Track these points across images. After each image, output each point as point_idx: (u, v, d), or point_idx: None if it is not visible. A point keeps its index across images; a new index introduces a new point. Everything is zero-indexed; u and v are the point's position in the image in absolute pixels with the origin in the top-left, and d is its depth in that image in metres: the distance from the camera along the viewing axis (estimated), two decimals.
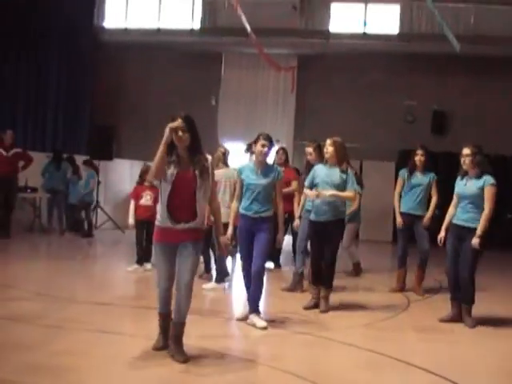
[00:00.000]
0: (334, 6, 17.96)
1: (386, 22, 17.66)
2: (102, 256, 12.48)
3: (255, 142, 6.62)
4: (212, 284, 8.46)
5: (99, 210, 15.01)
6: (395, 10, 17.70)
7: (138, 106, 18.08)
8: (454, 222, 6.88)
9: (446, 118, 17.14)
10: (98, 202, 14.92)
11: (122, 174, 16.41)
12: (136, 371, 4.70)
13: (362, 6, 17.72)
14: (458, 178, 6.95)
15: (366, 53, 16.93)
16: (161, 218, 4.94)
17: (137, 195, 9.71)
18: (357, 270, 10.18)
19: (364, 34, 17.42)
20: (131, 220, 9.63)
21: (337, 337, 6.00)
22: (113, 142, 15.49)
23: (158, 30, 18.10)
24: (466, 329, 6.58)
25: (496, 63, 16.49)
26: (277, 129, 17.14)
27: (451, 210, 6.99)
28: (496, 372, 5.19)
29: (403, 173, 8.58)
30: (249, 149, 7.17)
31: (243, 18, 13.56)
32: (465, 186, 6.82)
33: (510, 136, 16.27)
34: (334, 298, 7.49)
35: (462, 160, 6.79)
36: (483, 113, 16.73)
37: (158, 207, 5.00)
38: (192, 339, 5.28)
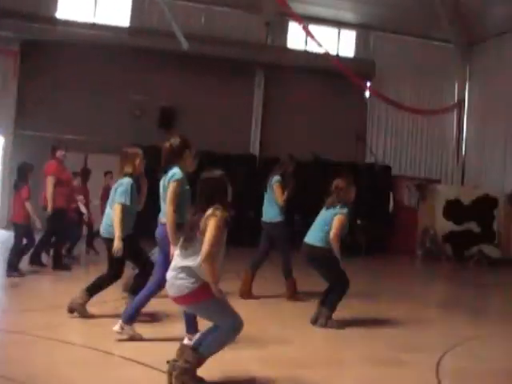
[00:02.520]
0: None
1: (118, 13, 17.36)
2: None
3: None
4: None
5: None
6: (127, 2, 17.48)
7: None
8: None
9: (173, 114, 17.27)
10: None
11: None
12: None
13: None
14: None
15: (95, 44, 16.31)
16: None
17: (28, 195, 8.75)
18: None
19: (93, 24, 16.83)
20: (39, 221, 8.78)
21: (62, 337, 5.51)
22: None
23: None
24: None
25: (223, 64, 17.10)
26: None
27: None
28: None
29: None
30: None
31: None
32: None
33: (231, 135, 16.99)
34: None
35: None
36: (210, 110, 17.27)
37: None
38: None
